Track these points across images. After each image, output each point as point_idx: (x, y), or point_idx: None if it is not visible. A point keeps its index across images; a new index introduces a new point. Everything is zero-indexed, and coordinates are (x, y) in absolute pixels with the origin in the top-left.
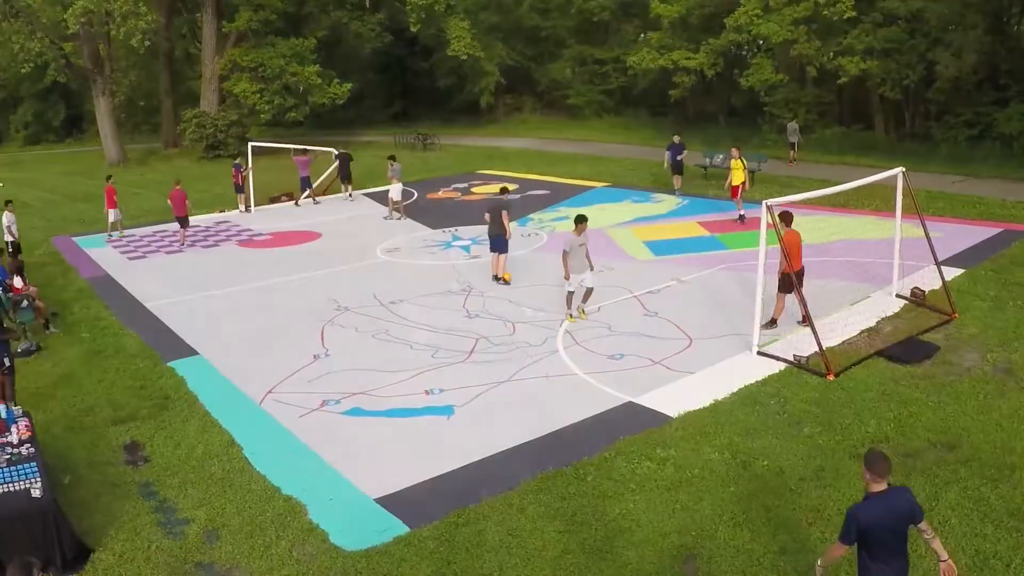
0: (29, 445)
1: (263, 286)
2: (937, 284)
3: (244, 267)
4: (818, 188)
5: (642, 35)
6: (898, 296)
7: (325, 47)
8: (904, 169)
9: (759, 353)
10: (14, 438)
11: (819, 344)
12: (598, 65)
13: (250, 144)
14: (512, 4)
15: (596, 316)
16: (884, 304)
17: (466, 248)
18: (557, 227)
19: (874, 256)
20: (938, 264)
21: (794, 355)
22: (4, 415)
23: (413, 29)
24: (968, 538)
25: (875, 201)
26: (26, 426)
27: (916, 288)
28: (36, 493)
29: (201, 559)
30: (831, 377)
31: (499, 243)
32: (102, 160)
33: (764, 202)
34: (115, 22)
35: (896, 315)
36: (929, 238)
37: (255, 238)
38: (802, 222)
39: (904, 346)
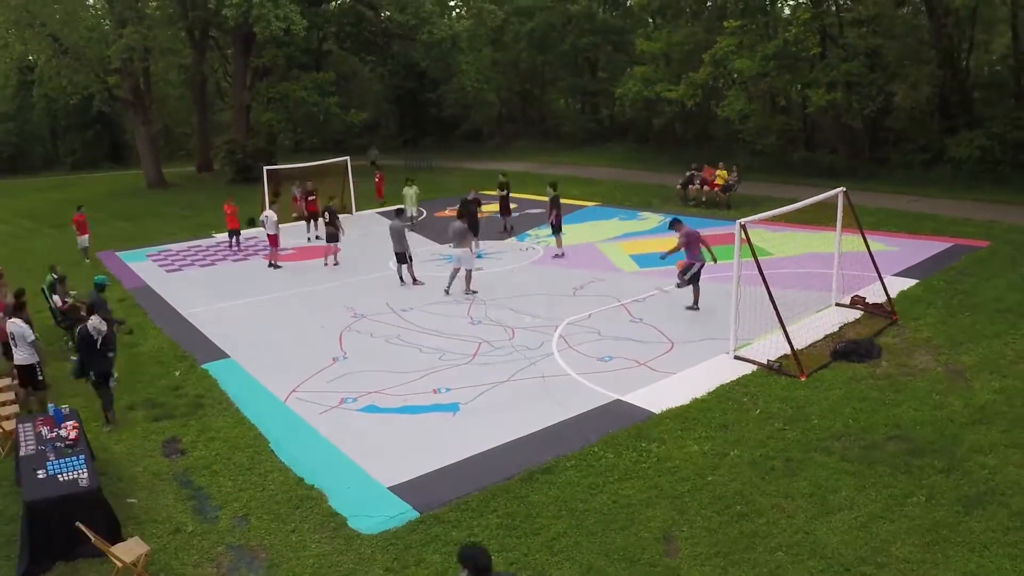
0: (77, 441)
1: (288, 296)
2: (892, 292)
3: (271, 279)
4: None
5: (628, 69)
6: (838, 304)
7: (343, 80)
8: (845, 189)
9: (736, 358)
10: (64, 434)
11: (792, 349)
12: (589, 97)
13: (265, 169)
14: (511, 41)
15: (587, 322)
16: (844, 311)
17: None
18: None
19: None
20: (879, 274)
21: (767, 360)
22: (52, 413)
23: (423, 64)
24: (921, 520)
25: (845, 220)
26: (74, 425)
27: (856, 296)
28: (84, 483)
29: (232, 541)
30: (803, 378)
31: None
32: (142, 183)
33: (738, 221)
34: (154, 58)
35: (857, 321)
36: (870, 251)
37: (280, 252)
38: (774, 238)
39: (855, 347)
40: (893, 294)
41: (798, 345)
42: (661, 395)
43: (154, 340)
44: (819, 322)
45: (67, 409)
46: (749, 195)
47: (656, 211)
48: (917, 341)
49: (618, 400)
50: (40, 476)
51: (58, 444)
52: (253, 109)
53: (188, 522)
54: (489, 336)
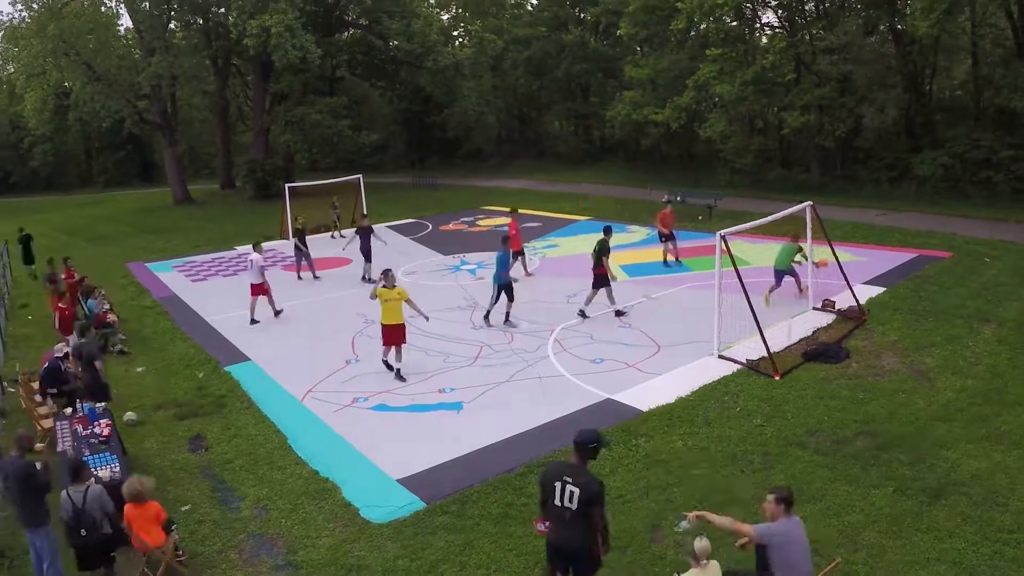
0: (110, 438)
1: (304, 303)
2: (862, 298)
3: (288, 288)
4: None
5: (618, 94)
6: (813, 309)
7: (355, 104)
8: (812, 203)
9: (720, 356)
10: (98, 431)
11: (767, 350)
12: (581, 119)
13: (286, 186)
14: (510, 68)
15: (580, 327)
16: (819, 316)
17: (472, 271)
18: (548, 254)
19: (813, 277)
20: (847, 280)
21: (747, 359)
22: (86, 412)
23: (428, 89)
24: (889, 510)
25: (814, 232)
26: (107, 423)
27: (827, 300)
28: (116, 477)
29: (253, 530)
30: (777, 377)
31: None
32: (169, 199)
33: (718, 233)
34: (180, 84)
35: (829, 326)
36: (838, 259)
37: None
38: (752, 249)
39: (824, 349)
40: (863, 300)
41: (776, 347)
42: (649, 394)
43: (181, 344)
44: (795, 326)
45: (100, 408)
46: (730, 210)
47: (644, 225)
48: (884, 344)
49: (609, 399)
50: None
51: (92, 440)
52: (272, 131)
53: (212, 511)
54: (490, 340)
